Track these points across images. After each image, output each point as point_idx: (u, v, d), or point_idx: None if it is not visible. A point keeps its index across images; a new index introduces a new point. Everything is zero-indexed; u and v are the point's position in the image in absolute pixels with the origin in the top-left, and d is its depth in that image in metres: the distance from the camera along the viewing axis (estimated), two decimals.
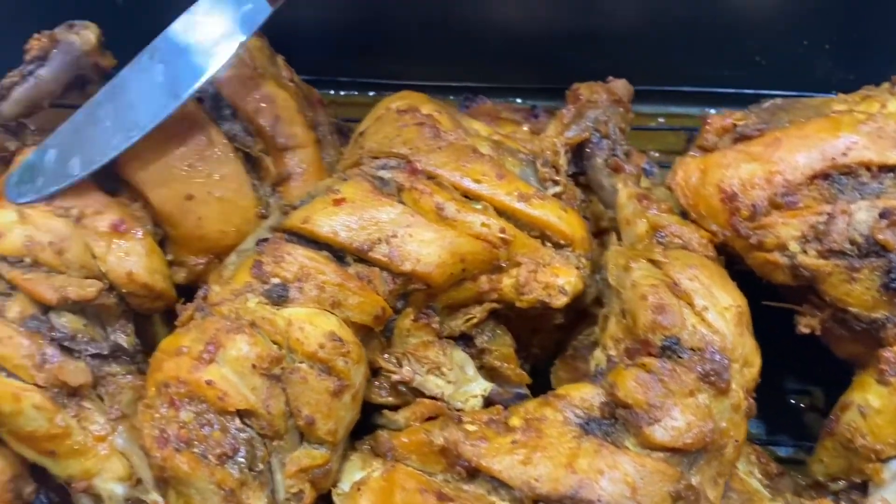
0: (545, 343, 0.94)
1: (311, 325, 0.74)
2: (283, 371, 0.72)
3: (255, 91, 0.91)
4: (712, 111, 1.20)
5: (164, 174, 0.85)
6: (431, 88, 1.21)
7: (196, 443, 0.68)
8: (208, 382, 0.69)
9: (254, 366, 0.70)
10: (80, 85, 0.98)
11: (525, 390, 0.87)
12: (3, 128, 0.95)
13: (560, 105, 1.18)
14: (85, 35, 0.95)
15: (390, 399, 0.81)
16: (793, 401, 1.03)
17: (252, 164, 0.91)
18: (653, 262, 0.79)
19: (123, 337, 0.82)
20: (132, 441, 0.78)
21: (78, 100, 0.98)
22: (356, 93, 1.26)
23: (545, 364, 0.94)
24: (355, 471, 0.76)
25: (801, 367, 1.02)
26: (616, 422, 0.72)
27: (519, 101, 1.26)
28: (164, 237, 0.87)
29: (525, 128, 1.02)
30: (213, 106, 0.90)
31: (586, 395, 0.74)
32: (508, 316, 0.87)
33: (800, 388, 1.03)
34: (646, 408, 0.70)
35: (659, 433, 0.70)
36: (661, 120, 1.25)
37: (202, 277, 0.88)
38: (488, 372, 0.85)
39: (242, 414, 0.70)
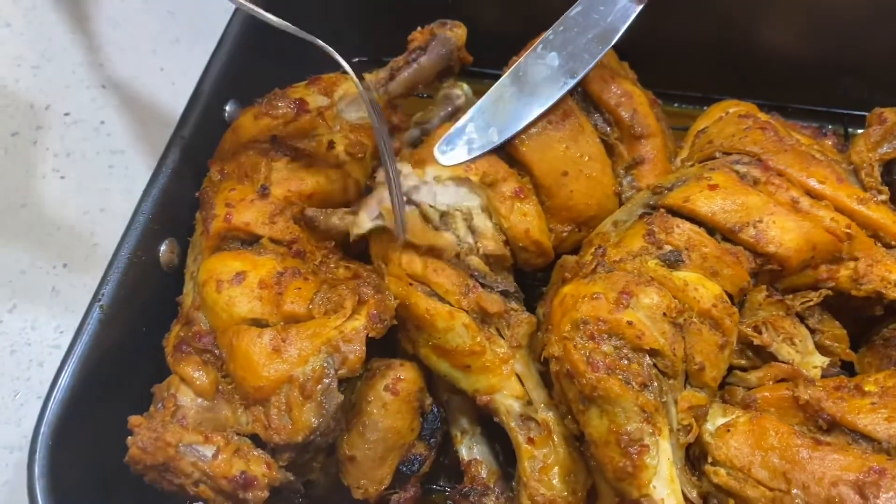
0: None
1: (703, 287, 0.87)
2: (684, 322, 0.85)
3: (616, 88, 1.05)
4: None
5: (547, 153, 1.00)
6: (699, 100, 1.35)
7: (619, 371, 0.81)
8: (629, 323, 0.83)
9: (664, 314, 0.84)
10: (445, 75, 1.15)
11: (838, 369, 0.98)
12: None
13: (823, 126, 1.30)
14: (457, 32, 1.12)
15: (742, 361, 0.93)
16: None
17: (608, 149, 1.05)
18: None
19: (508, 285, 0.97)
20: (526, 366, 0.92)
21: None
22: None
23: None
24: (718, 416, 0.88)
25: None
26: None
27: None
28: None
29: (829, 143, 1.13)
30: (581, 99, 1.05)
31: None
32: (831, 304, 0.99)
33: None
34: None
35: None
36: None
37: (563, 244, 1.02)
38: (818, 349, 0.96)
39: (652, 353, 0.83)
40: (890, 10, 1.21)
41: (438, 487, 1.00)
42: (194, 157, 1.03)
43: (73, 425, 0.82)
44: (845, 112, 1.33)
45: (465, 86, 1.20)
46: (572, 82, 1.00)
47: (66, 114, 1.39)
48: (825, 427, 0.84)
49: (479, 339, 0.90)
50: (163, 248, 0.98)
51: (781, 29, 1.29)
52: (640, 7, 1.03)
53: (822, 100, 1.35)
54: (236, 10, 1.16)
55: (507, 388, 0.91)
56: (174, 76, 1.43)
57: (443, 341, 0.91)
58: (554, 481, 0.88)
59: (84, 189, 1.31)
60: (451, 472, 1.02)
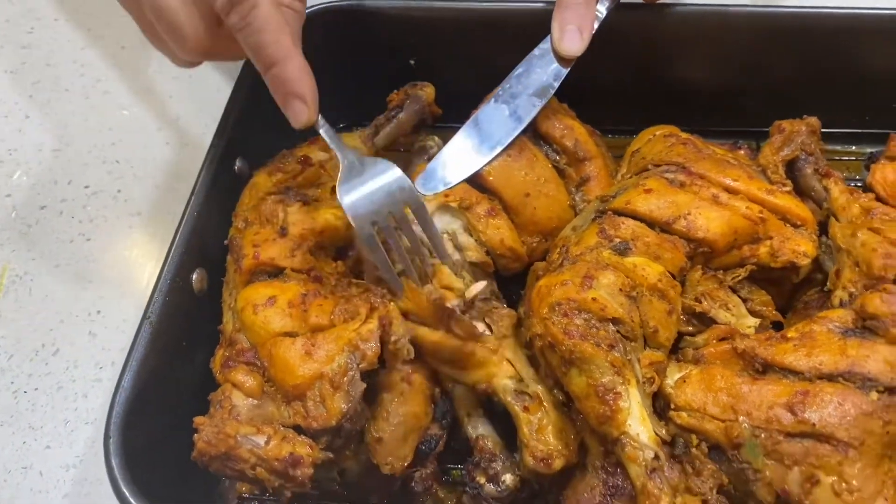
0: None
1: (649, 267, 1.07)
2: (637, 295, 1.05)
3: (559, 123, 1.28)
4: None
5: (511, 179, 1.21)
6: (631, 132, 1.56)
7: (590, 337, 1.00)
8: (593, 299, 1.02)
9: (620, 289, 1.04)
10: (421, 127, 1.37)
11: (771, 328, 1.19)
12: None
13: (738, 141, 1.51)
14: (427, 91, 1.35)
15: (689, 328, 1.13)
16: None
17: (559, 172, 1.26)
18: (872, 230, 1.12)
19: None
20: (514, 351, 1.11)
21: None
22: None
23: None
24: (675, 372, 1.07)
25: None
26: (865, 330, 1.03)
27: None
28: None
29: (742, 152, 1.36)
30: (532, 135, 1.27)
31: (841, 315, 1.05)
32: (756, 278, 1.20)
33: None
34: (891, 316, 1.01)
35: None
36: None
37: (534, 252, 1.23)
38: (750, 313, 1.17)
39: (614, 321, 1.02)
40: (777, 42, 1.45)
41: (451, 466, 1.17)
42: (213, 203, 1.23)
43: (135, 414, 1.02)
44: (756, 130, 1.56)
45: (437, 138, 1.43)
46: (521, 127, 1.22)
47: (87, 186, 1.58)
48: (760, 369, 1.03)
49: (468, 345, 1.09)
50: (195, 276, 1.17)
51: (691, 64, 1.52)
52: (568, 70, 1.26)
53: (736, 121, 1.58)
54: (236, 86, 1.37)
55: (501, 372, 1.10)
56: (177, 148, 1.64)
57: (440, 354, 1.09)
58: (549, 438, 1.06)
59: (108, 248, 1.50)
60: (460, 454, 1.19)
